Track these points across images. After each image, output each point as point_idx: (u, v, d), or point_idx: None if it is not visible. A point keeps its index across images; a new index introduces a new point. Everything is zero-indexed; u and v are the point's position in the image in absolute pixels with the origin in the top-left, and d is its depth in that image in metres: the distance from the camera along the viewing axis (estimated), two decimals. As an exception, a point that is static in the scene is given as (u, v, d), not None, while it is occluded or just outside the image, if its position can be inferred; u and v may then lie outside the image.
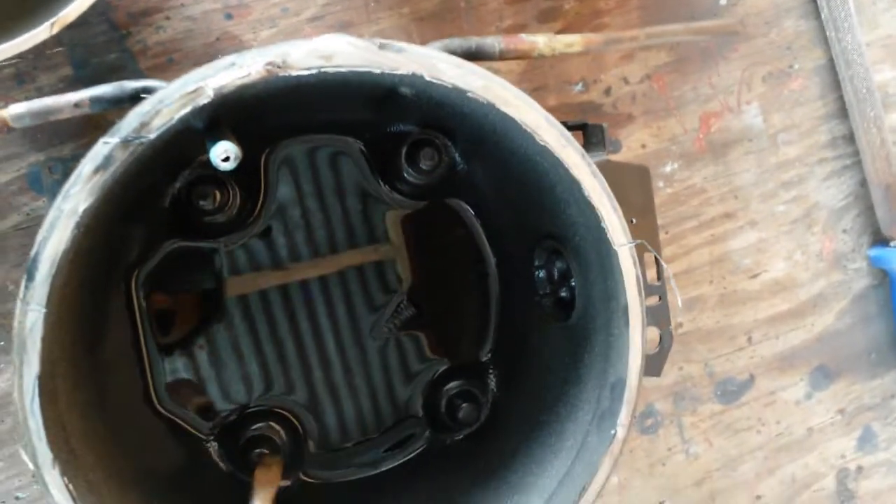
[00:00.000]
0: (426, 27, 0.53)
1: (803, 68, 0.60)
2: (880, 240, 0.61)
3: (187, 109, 0.31)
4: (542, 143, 0.36)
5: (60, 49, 0.47)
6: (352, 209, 0.49)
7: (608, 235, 0.37)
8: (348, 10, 0.51)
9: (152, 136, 0.31)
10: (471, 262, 0.51)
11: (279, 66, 0.32)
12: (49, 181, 0.46)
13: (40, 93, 0.47)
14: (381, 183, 0.49)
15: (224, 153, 0.31)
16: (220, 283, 0.47)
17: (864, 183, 0.61)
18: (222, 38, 0.49)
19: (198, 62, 0.48)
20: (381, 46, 0.33)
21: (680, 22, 0.56)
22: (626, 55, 0.56)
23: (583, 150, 0.36)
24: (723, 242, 0.59)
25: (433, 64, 0.34)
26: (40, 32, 0.37)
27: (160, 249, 0.45)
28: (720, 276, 0.59)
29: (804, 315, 0.61)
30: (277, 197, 0.48)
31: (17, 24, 0.42)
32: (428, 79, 0.34)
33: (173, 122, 0.31)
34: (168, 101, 0.31)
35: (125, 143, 0.31)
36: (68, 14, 0.38)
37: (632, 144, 0.57)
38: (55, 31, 0.38)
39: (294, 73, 0.32)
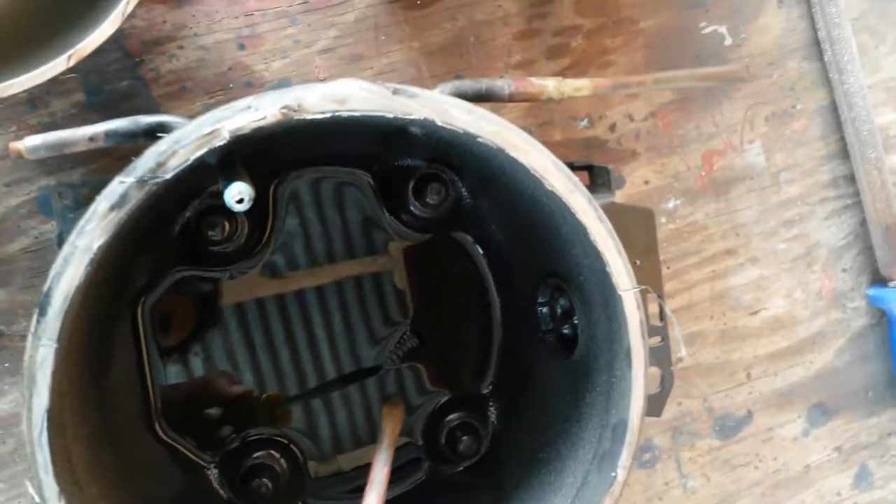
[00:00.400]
0: (435, 61, 0.53)
1: (806, 109, 0.60)
2: (879, 279, 0.62)
3: (203, 151, 0.31)
4: (550, 188, 0.36)
5: (74, 75, 0.48)
6: (358, 239, 0.50)
7: (613, 280, 0.37)
8: (359, 44, 0.52)
9: (168, 175, 0.31)
10: (474, 295, 0.52)
11: (294, 110, 0.32)
12: (59, 206, 0.46)
13: (53, 118, 0.48)
14: (388, 214, 0.50)
15: (238, 195, 0.32)
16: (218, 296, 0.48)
17: (864, 223, 0.62)
18: (234, 68, 0.50)
19: (210, 91, 0.49)
20: (395, 92, 0.34)
21: (685, 60, 0.57)
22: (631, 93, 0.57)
23: (589, 195, 0.37)
24: (724, 279, 0.60)
25: (445, 109, 0.34)
26: (57, 65, 0.38)
27: (167, 277, 0.45)
28: (720, 312, 0.60)
29: (803, 352, 0.62)
30: (285, 227, 0.48)
31: (33, 51, 0.43)
32: (440, 124, 0.34)
33: (189, 162, 0.31)
34: (184, 142, 0.32)
35: (141, 182, 0.31)
36: (86, 46, 0.38)
37: (635, 180, 0.58)
38: (72, 63, 0.38)
39: (309, 116, 0.32)
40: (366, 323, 0.50)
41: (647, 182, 0.58)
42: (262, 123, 0.32)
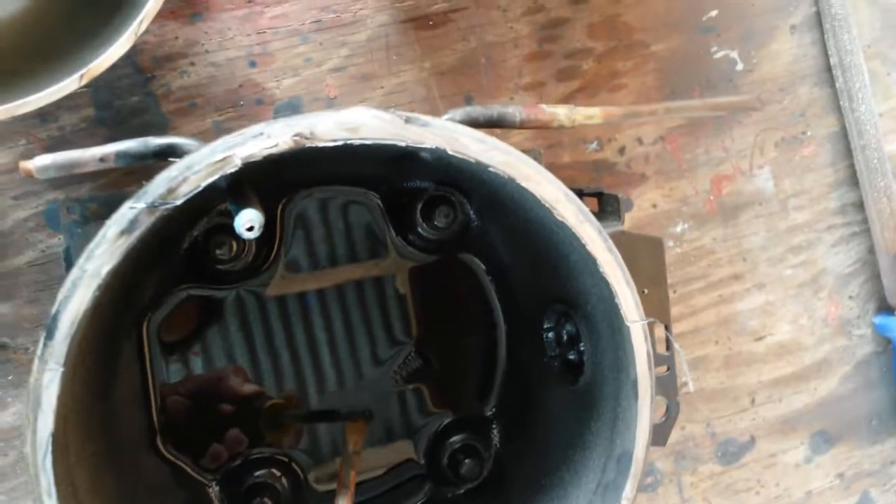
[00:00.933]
0: (446, 81, 0.53)
1: (816, 135, 0.60)
2: (886, 308, 0.62)
3: (214, 177, 0.31)
4: (560, 219, 0.36)
5: (84, 90, 0.48)
6: (365, 258, 0.50)
7: (621, 311, 0.37)
8: (370, 63, 0.52)
9: (179, 202, 0.31)
10: (479, 317, 0.52)
11: (307, 138, 0.32)
12: (66, 220, 0.47)
13: (62, 132, 0.48)
14: (395, 235, 0.50)
15: (249, 223, 0.32)
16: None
17: (871, 250, 0.62)
18: (245, 85, 0.50)
19: (220, 108, 0.49)
20: (407, 120, 0.34)
21: (695, 84, 0.57)
22: (642, 117, 0.56)
23: (600, 226, 0.37)
24: (730, 304, 0.59)
25: (456, 139, 0.34)
26: (69, 84, 0.38)
27: (173, 295, 0.45)
28: (726, 336, 0.60)
29: (808, 379, 0.61)
30: (292, 246, 0.48)
31: (45, 67, 0.43)
32: (451, 153, 0.34)
33: (200, 188, 0.31)
34: (196, 168, 0.31)
35: (152, 208, 0.31)
36: (98, 66, 0.38)
37: (643, 204, 0.57)
38: (84, 82, 0.38)
39: (321, 144, 0.32)
40: (370, 341, 0.50)
41: (655, 205, 0.58)
42: (273, 151, 0.32)
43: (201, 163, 0.32)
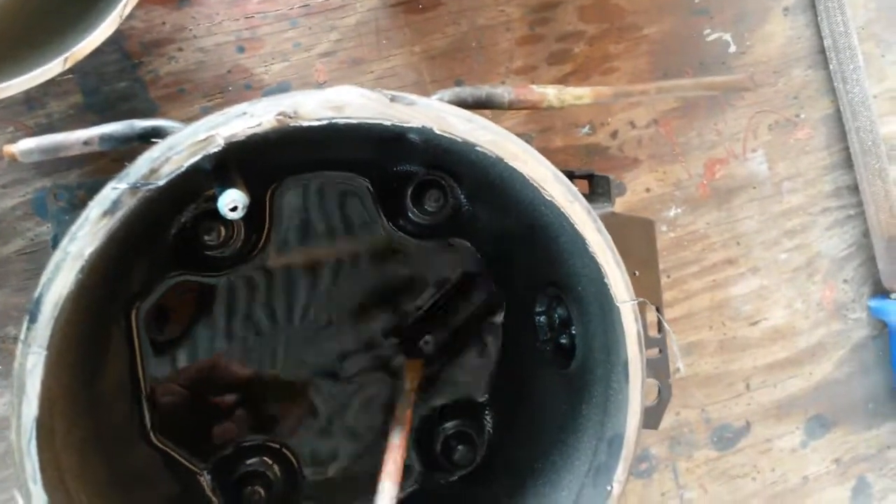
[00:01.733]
0: (437, 65, 0.53)
1: (810, 118, 0.60)
2: (881, 291, 0.61)
3: (197, 157, 0.31)
4: (549, 198, 0.36)
5: (71, 76, 0.47)
6: (355, 245, 0.49)
7: (611, 291, 0.37)
8: (360, 47, 0.51)
9: (161, 182, 0.31)
10: (472, 302, 0.51)
11: (290, 117, 0.32)
12: (54, 208, 0.46)
13: (50, 119, 0.47)
14: (386, 220, 0.49)
15: (232, 203, 0.31)
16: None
17: (866, 233, 0.61)
18: (234, 71, 0.49)
19: (208, 93, 0.49)
20: (393, 99, 0.33)
21: (689, 67, 0.57)
22: (634, 101, 0.56)
23: (589, 206, 0.37)
24: (724, 288, 0.59)
25: (443, 118, 0.34)
26: (53, 67, 0.37)
27: (162, 282, 0.45)
28: (720, 321, 0.59)
29: (803, 363, 0.61)
30: (282, 232, 0.48)
31: (30, 52, 0.43)
32: (438, 132, 0.34)
33: (182, 169, 0.31)
34: (179, 149, 0.31)
35: (134, 189, 0.31)
36: (82, 49, 0.38)
37: (636, 188, 0.57)
38: (68, 65, 0.38)
39: (305, 123, 0.32)
40: (361, 325, 0.50)
41: (648, 190, 0.57)
42: (257, 130, 0.32)
43: (184, 143, 0.31)
